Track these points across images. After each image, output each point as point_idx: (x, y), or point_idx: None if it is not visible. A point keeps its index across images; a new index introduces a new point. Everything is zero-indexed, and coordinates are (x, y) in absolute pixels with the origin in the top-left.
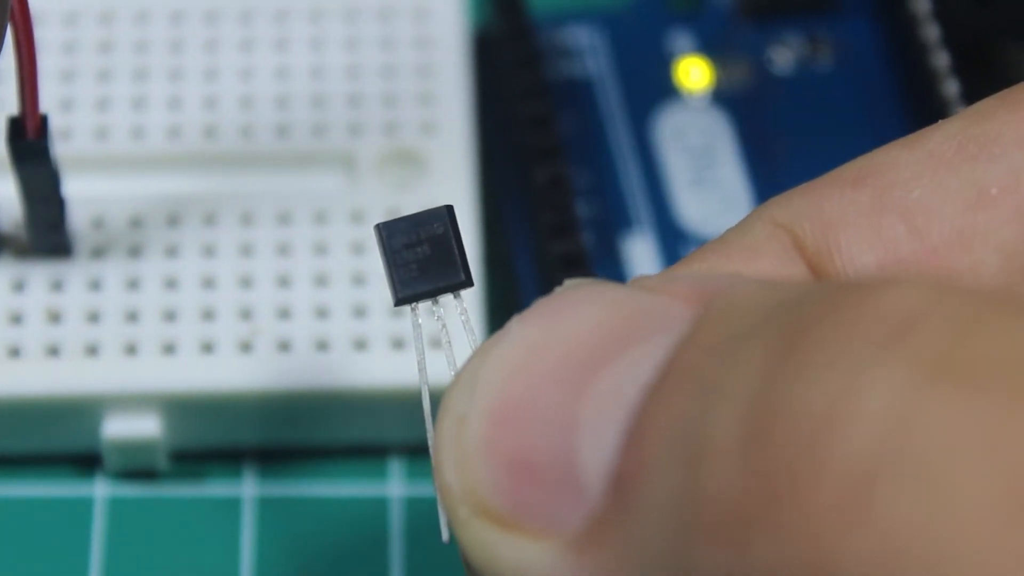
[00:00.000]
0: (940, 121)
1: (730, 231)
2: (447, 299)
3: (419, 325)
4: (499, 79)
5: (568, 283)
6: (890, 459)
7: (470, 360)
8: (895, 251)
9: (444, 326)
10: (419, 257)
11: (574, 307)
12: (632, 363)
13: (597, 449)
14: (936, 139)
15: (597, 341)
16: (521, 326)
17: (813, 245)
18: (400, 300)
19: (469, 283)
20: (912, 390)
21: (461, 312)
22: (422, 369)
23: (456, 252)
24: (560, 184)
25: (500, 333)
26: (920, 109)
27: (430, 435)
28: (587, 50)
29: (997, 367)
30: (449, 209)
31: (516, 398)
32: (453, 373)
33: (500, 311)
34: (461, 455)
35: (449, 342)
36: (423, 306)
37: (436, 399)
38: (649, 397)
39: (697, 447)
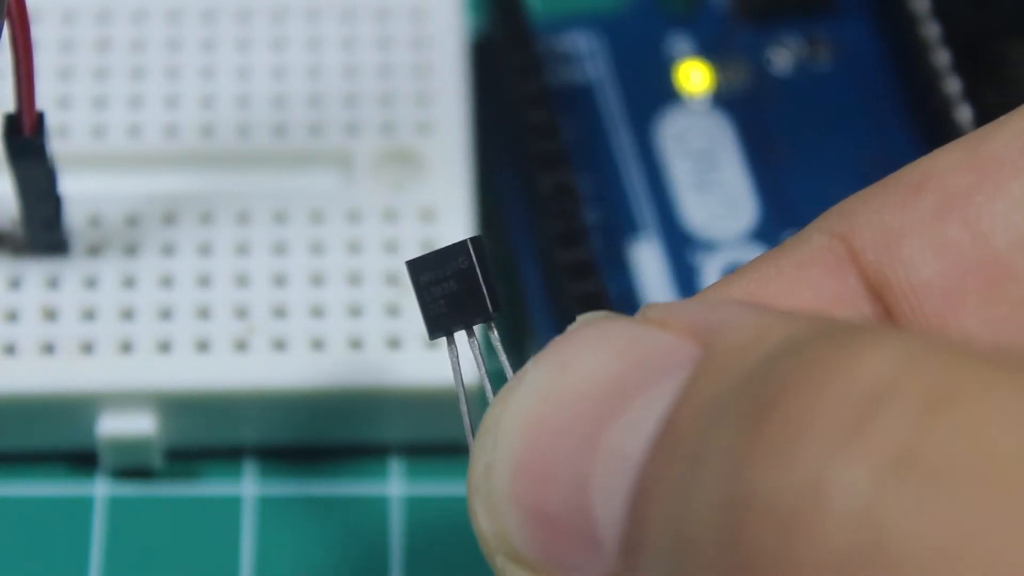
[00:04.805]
0: (1001, 118)
1: (789, 240)
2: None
3: (456, 358)
4: (500, 85)
5: (581, 319)
6: (860, 560)
7: (492, 406)
8: (959, 259)
9: (477, 357)
10: (447, 292)
11: (585, 351)
12: (636, 415)
13: (609, 507)
14: (999, 139)
15: (605, 389)
16: (536, 372)
17: (874, 254)
18: (432, 336)
19: (498, 313)
20: (877, 485)
21: (496, 341)
22: (461, 400)
23: (482, 284)
24: (566, 192)
25: (517, 377)
26: (921, 108)
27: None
28: (586, 55)
29: (958, 460)
30: (474, 241)
31: (533, 450)
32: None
33: (504, 317)
34: (491, 503)
35: (484, 374)
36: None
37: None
38: (649, 458)
39: (682, 532)
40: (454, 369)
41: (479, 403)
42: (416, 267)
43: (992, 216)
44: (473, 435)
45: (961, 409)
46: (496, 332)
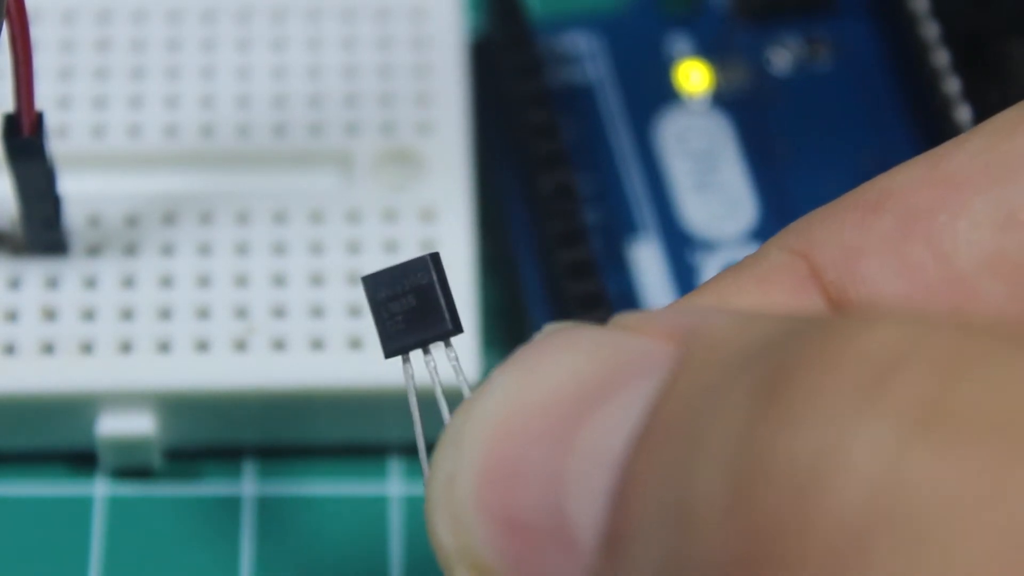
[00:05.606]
0: (959, 137)
1: (747, 258)
2: (439, 346)
3: (411, 376)
4: (499, 86)
5: (547, 328)
6: (882, 517)
7: (455, 416)
8: (922, 279)
9: (436, 374)
10: (405, 308)
11: (554, 356)
12: (614, 413)
13: (587, 506)
14: (960, 158)
15: (578, 391)
16: (502, 378)
17: (834, 273)
18: (388, 354)
19: (457, 331)
20: (900, 442)
21: (452, 359)
22: (416, 420)
23: (442, 301)
24: (566, 193)
25: (482, 387)
26: (921, 108)
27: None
28: (586, 56)
29: (984, 415)
30: (433, 257)
31: (502, 455)
32: (446, 423)
33: (504, 317)
34: (454, 514)
35: (442, 393)
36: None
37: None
38: (633, 452)
39: (682, 510)
40: (409, 388)
41: (438, 423)
42: (372, 283)
43: (955, 235)
44: (428, 455)
45: (983, 369)
46: (455, 351)
